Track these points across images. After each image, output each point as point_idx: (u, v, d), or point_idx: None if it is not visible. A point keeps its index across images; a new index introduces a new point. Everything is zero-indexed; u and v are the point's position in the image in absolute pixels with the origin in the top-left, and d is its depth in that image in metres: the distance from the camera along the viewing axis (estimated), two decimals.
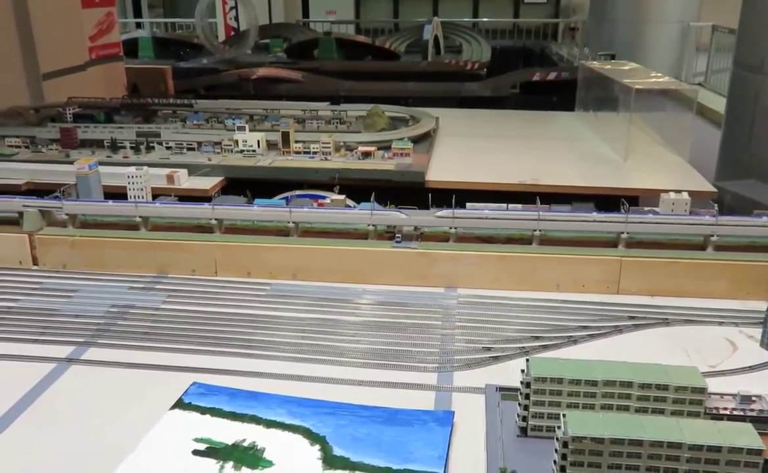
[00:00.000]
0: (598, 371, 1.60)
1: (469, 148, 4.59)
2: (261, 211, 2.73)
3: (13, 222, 2.82)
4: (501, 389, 1.83)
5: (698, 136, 5.16)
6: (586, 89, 5.44)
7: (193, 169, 3.90)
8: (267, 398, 1.88)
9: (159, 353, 2.12)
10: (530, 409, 1.63)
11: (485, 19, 13.48)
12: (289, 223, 2.67)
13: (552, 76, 6.60)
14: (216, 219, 2.71)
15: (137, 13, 15.24)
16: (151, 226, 2.79)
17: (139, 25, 13.83)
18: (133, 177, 2.95)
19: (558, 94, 6.41)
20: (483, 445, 1.66)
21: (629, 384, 1.57)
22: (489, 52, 9.66)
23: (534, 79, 6.66)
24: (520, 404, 1.67)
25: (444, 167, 4.05)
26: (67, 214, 2.78)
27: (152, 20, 14.13)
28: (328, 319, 2.32)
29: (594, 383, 1.58)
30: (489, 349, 2.11)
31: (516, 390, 1.74)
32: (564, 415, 1.48)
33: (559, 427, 1.48)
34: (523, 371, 1.67)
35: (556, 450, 1.48)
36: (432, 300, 2.45)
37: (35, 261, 2.76)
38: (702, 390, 1.56)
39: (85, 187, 2.98)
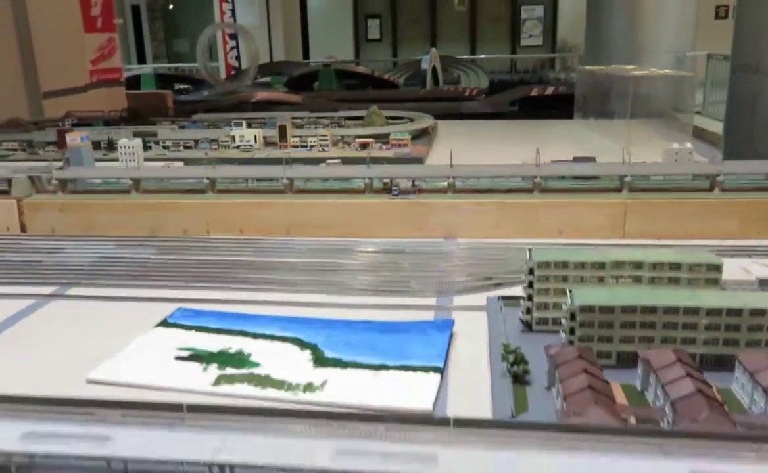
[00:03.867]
0: (605, 256, 1.51)
1: (468, 149, 4.54)
2: (254, 169, 2.67)
3: (4, 192, 2.75)
4: (504, 298, 1.73)
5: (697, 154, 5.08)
6: (584, 94, 5.44)
7: (190, 163, 3.84)
8: (258, 317, 1.77)
9: (146, 289, 2.03)
10: (534, 299, 1.53)
11: (482, 56, 13.68)
12: (283, 179, 2.60)
13: (550, 90, 6.63)
14: (208, 178, 2.64)
15: (141, 57, 15.56)
16: (142, 190, 2.73)
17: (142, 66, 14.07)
18: (125, 147, 2.89)
19: (556, 109, 6.41)
20: (486, 345, 1.55)
21: (639, 265, 1.48)
22: (487, 82, 9.75)
23: (532, 94, 6.68)
24: (523, 299, 1.58)
25: (443, 157, 3.98)
26: (57, 180, 2.72)
27: (155, 66, 14.37)
28: (325, 263, 2.23)
29: (602, 265, 1.49)
30: (490, 278, 2.01)
31: (519, 298, 1.65)
32: (570, 290, 1.38)
33: (565, 304, 1.39)
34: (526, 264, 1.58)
35: (562, 327, 1.38)
36: (432, 247, 2.36)
37: (23, 228, 2.68)
38: (717, 267, 1.47)
39: (77, 159, 2.92)
